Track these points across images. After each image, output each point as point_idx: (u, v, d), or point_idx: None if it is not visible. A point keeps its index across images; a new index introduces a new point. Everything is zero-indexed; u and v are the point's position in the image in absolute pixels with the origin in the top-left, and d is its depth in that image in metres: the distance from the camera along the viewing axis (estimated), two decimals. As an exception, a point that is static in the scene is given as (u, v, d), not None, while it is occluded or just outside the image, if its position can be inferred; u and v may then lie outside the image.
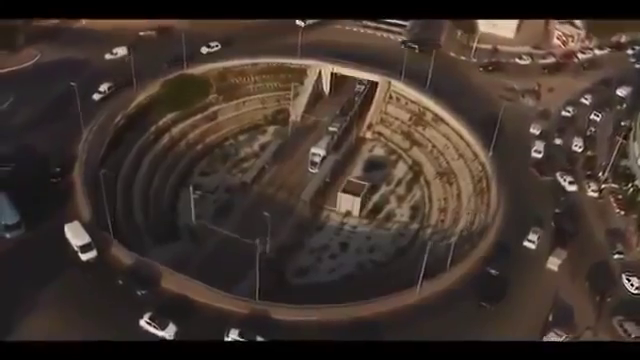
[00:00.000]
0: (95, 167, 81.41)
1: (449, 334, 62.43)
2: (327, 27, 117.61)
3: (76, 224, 71.72)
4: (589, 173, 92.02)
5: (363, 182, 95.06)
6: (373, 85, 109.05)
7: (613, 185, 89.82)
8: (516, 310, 70.23)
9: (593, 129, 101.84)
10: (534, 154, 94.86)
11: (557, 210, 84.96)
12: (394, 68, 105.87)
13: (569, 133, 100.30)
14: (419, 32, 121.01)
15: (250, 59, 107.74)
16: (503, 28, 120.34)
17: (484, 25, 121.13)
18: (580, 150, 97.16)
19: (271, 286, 71.33)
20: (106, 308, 64.27)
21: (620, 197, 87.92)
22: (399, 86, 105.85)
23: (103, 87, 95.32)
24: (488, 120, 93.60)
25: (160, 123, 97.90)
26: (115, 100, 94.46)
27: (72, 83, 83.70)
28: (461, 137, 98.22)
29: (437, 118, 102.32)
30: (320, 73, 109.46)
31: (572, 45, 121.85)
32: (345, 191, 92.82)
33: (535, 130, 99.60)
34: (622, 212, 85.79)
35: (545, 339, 66.32)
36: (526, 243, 78.74)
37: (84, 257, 69.26)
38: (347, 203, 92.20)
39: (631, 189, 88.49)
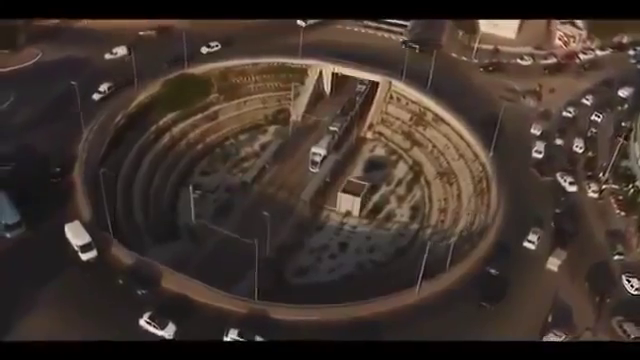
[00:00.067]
0: (95, 167, 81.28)
1: (449, 334, 62.34)
2: (328, 27, 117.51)
3: (76, 224, 71.75)
4: (590, 174, 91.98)
5: (363, 182, 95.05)
6: (374, 85, 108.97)
7: (614, 186, 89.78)
8: (516, 310, 70.23)
9: (594, 130, 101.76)
10: (535, 154, 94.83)
11: (557, 210, 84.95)
12: (395, 68, 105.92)
13: (570, 134, 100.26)
14: (420, 32, 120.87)
15: (251, 59, 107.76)
16: (504, 28, 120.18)
17: (485, 25, 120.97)
18: (581, 151, 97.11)
19: (271, 286, 71.38)
20: (106, 308, 64.34)
21: (620, 198, 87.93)
22: (400, 86, 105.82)
23: (103, 87, 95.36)
24: (489, 120, 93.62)
25: (160, 123, 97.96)
26: (115, 100, 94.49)
27: (72, 82, 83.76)
28: (462, 137, 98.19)
29: (438, 118, 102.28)
30: (321, 73, 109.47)
31: (573, 46, 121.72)
32: (345, 191, 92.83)
33: (536, 131, 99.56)
34: (622, 213, 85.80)
35: (545, 339, 66.37)
36: (526, 243, 78.74)
37: (84, 257, 69.31)
38: (347, 203, 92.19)
39: (632, 190, 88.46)
